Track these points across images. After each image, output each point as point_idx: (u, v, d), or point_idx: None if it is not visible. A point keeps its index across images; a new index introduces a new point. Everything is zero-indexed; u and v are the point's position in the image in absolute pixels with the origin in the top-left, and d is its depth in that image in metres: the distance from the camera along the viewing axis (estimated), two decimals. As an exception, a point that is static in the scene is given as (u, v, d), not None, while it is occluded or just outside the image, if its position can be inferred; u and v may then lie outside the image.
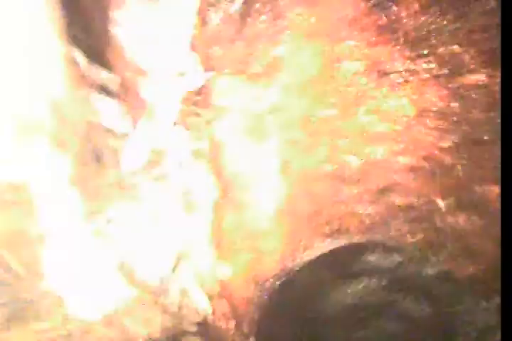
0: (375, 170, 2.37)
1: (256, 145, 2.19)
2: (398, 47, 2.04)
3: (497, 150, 2.20)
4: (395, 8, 1.96)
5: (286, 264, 2.76)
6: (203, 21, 1.82)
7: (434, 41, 2.00)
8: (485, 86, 2.00)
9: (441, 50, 2.00)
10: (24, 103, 1.29)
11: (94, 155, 1.46)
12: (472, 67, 1.97)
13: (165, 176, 1.66)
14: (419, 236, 2.79)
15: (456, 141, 2.17)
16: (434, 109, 2.12)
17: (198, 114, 1.80)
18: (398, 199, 2.58)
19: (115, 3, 1.52)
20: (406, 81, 2.11)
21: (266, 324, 2.86)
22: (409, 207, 2.62)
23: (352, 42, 2.04)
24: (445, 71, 2.03)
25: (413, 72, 2.08)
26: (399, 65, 2.08)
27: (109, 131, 1.52)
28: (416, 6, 1.95)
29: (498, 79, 1.92)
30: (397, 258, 3.41)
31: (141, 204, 1.57)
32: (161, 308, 1.55)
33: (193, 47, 1.76)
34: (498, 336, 2.52)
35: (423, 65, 2.04)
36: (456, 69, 2.00)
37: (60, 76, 1.34)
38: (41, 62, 1.30)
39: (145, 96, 1.63)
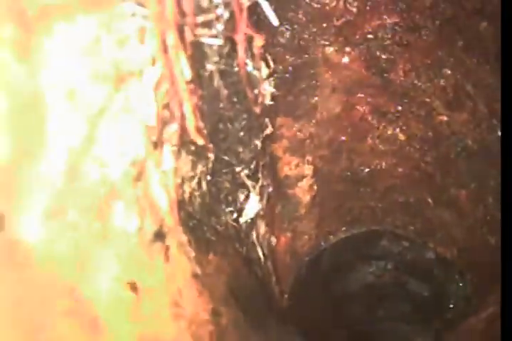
0: (380, 175, 3.26)
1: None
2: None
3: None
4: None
5: (315, 244, 3.40)
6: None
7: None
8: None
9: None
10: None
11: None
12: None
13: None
14: (417, 225, 3.54)
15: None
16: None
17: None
18: (399, 197, 3.47)
19: None
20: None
21: (297, 295, 3.41)
22: (407, 203, 3.44)
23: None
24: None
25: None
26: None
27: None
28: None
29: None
30: (404, 243, 4.17)
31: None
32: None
33: None
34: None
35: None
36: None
37: None
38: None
39: None
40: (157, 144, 1.27)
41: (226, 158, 1.81)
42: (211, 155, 1.66)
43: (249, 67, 1.63)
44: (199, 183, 1.60)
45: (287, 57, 2.48)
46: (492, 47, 2.22)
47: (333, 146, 2.90)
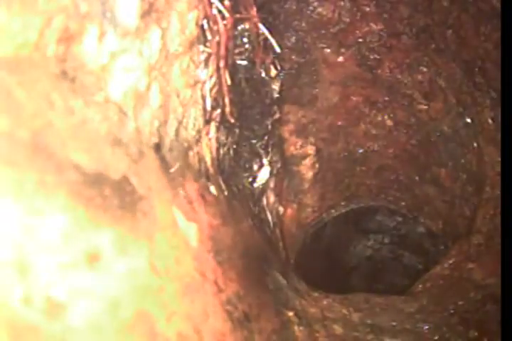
0: (373, 156, 3.78)
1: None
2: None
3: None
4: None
5: (318, 216, 3.84)
6: None
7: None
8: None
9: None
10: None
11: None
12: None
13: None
14: (408, 201, 3.92)
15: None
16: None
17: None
18: (391, 175, 3.87)
19: None
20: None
21: (301, 262, 3.63)
22: (398, 181, 3.84)
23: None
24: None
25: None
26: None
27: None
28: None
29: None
30: (397, 218, 4.61)
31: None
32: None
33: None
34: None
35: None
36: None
37: None
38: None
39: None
40: (208, 121, 1.94)
41: (246, 133, 2.45)
42: (237, 130, 2.29)
43: (263, 74, 2.39)
44: (228, 149, 2.23)
45: (293, 57, 3.09)
46: (457, 49, 2.77)
47: (332, 130, 3.47)
